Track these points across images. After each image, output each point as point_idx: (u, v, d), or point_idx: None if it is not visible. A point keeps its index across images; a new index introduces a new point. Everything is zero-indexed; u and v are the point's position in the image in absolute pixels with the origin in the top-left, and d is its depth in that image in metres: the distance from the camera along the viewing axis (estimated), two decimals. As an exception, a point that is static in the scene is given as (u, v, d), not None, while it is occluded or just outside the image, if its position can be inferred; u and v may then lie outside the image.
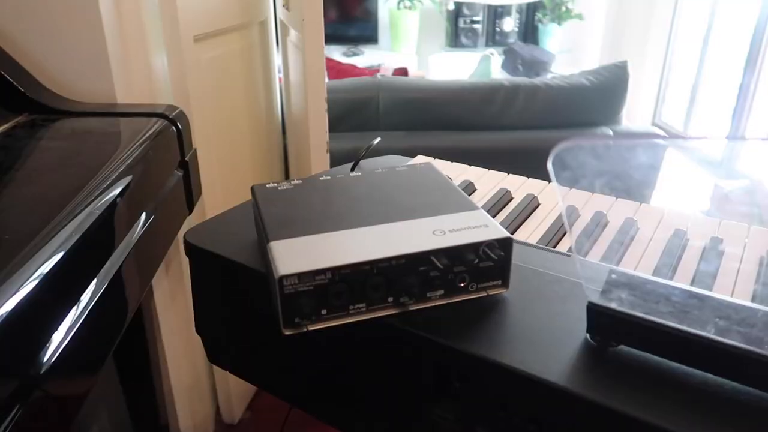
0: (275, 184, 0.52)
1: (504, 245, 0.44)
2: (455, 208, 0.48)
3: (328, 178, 0.53)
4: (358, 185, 0.53)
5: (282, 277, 0.39)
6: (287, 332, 0.41)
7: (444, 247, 0.42)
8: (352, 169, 0.68)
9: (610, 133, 1.77)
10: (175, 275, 1.04)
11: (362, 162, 0.77)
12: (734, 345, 0.34)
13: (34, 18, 0.78)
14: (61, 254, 0.45)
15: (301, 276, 0.39)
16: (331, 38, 3.60)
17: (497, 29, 3.92)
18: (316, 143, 1.17)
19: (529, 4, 3.85)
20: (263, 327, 0.54)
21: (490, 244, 0.43)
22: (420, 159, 0.76)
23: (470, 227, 0.44)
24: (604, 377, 0.37)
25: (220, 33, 1.14)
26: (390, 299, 0.43)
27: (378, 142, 0.70)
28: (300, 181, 0.53)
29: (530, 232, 0.60)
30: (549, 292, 0.46)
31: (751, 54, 2.58)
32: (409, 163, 0.75)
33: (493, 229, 0.44)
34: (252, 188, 0.52)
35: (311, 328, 0.41)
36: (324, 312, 0.41)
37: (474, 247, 0.43)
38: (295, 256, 0.41)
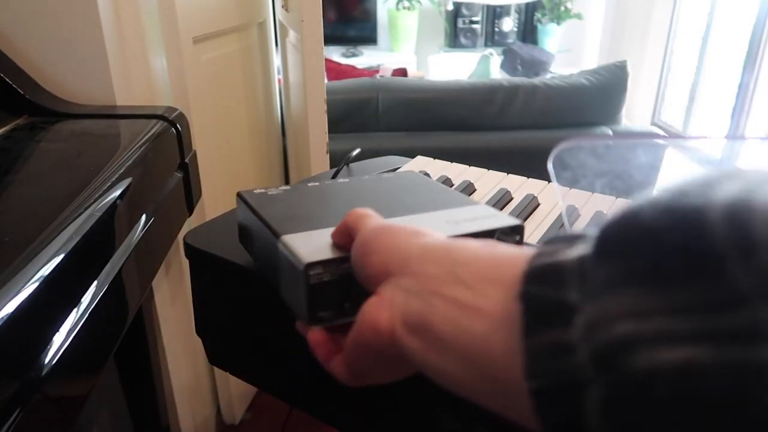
0: (263, 190, 0.50)
1: (517, 231, 0.43)
2: (459, 203, 0.47)
3: (317, 184, 0.52)
4: (353, 188, 0.52)
5: (308, 265, 0.36)
6: (313, 328, 0.38)
7: (464, 233, 0.41)
8: (335, 176, 0.67)
9: (610, 133, 1.77)
10: (175, 277, 1.04)
11: (362, 162, 0.77)
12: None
13: (33, 20, 0.78)
14: (61, 256, 0.45)
15: (326, 263, 0.37)
16: (330, 39, 3.61)
17: (496, 29, 3.92)
18: (315, 144, 1.17)
19: (528, 4, 3.85)
20: (263, 328, 0.54)
21: (504, 230, 0.43)
22: (420, 159, 0.76)
23: (481, 217, 0.44)
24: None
25: (219, 34, 1.15)
26: None
27: (376, 144, 0.70)
28: (288, 187, 0.51)
29: (530, 232, 0.60)
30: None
31: (750, 53, 2.58)
32: (408, 164, 0.75)
33: (504, 218, 0.44)
34: (239, 194, 0.49)
35: (337, 323, 0.38)
36: (348, 305, 0.38)
37: (489, 235, 0.42)
38: (312, 246, 0.38)
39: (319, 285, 0.37)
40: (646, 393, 0.17)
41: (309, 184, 0.52)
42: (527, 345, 0.21)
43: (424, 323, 0.26)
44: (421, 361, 0.27)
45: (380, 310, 0.29)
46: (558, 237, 0.23)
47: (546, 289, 0.21)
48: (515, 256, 0.25)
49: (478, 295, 0.25)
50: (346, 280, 0.38)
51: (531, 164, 0.70)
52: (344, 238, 0.37)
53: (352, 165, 0.75)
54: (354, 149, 0.75)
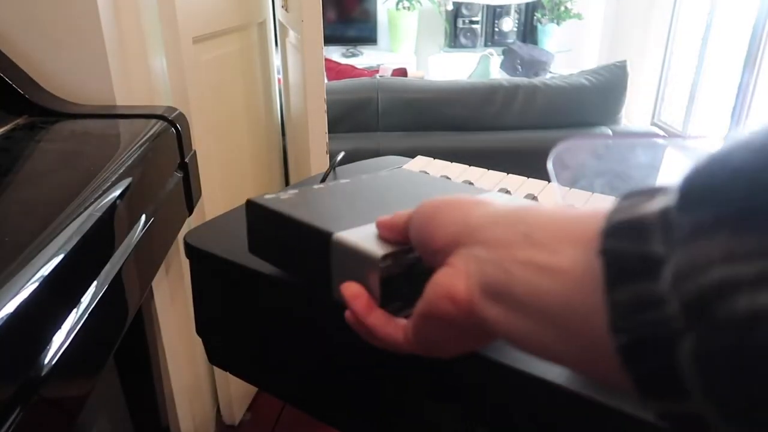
0: (274, 195, 0.47)
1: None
2: (472, 191, 0.48)
3: (321, 186, 0.50)
4: (363, 186, 0.51)
5: (383, 257, 0.36)
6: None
7: None
8: (323, 180, 0.67)
9: (610, 133, 1.77)
10: (175, 277, 1.04)
11: (361, 162, 0.77)
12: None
13: (33, 20, 0.78)
14: (61, 256, 0.45)
15: (395, 255, 0.36)
16: (330, 39, 3.60)
17: (496, 29, 3.92)
18: (315, 144, 1.17)
19: (528, 4, 3.85)
20: (264, 328, 0.54)
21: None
22: (420, 159, 0.76)
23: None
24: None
25: (219, 34, 1.15)
26: None
27: (376, 144, 0.70)
28: (296, 190, 0.48)
29: (530, 232, 0.60)
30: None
31: (750, 53, 2.58)
32: (408, 164, 0.75)
33: (518, 200, 0.45)
34: (250, 201, 0.46)
35: (403, 315, 0.37)
36: (414, 296, 0.36)
37: None
38: (371, 240, 0.37)
39: (390, 277, 0.37)
40: (746, 339, 0.16)
41: (315, 187, 0.50)
42: (611, 300, 0.21)
43: (503, 289, 0.26)
44: (503, 329, 0.26)
45: (455, 281, 0.28)
46: (634, 191, 0.23)
47: (628, 243, 0.21)
48: (590, 215, 0.25)
49: (555, 256, 0.24)
50: (410, 272, 0.37)
51: (531, 164, 0.70)
52: (394, 234, 0.36)
53: (348, 165, 0.75)
54: (354, 149, 0.75)
